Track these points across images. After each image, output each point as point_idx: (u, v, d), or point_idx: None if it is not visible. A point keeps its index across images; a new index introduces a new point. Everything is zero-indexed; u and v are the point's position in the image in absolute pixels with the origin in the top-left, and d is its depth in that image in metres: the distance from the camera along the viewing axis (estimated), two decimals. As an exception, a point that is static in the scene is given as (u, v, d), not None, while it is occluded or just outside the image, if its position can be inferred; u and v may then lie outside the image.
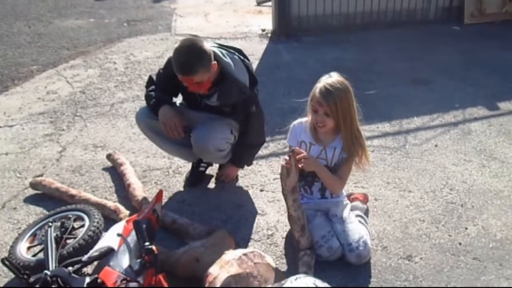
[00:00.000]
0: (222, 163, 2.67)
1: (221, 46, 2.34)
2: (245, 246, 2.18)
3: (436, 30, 6.02)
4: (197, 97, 2.40)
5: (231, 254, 1.81)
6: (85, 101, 3.94)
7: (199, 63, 2.12)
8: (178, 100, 2.59)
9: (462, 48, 5.28)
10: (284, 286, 1.57)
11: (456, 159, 2.97)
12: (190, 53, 2.12)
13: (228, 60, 2.26)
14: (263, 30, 5.98)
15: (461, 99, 3.89)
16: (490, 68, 4.65)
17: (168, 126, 2.34)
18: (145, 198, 2.44)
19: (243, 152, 2.59)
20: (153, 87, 2.46)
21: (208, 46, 2.19)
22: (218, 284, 1.67)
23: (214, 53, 2.21)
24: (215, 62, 2.20)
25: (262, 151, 2.87)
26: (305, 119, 2.20)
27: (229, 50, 2.33)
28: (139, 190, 2.53)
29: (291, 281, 1.59)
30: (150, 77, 2.51)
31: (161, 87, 2.44)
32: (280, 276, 1.83)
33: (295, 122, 2.27)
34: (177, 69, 2.15)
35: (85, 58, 5.09)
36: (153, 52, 5.24)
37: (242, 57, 2.36)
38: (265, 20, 6.34)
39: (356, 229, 2.11)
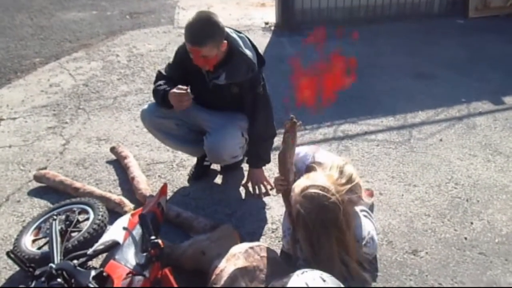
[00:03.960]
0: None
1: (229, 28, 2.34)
2: (250, 240, 2.16)
3: (440, 23, 5.97)
4: (206, 78, 2.37)
5: (238, 248, 1.81)
6: (88, 94, 3.93)
7: (210, 35, 2.10)
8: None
9: (467, 42, 5.24)
10: (291, 280, 1.56)
11: (461, 154, 2.96)
12: (204, 24, 2.10)
13: (236, 36, 2.27)
14: (266, 23, 5.95)
15: (466, 93, 3.87)
16: (495, 62, 4.62)
17: (179, 95, 2.19)
18: (150, 192, 2.44)
19: (258, 149, 2.54)
20: (160, 82, 2.41)
21: (223, 24, 2.18)
22: (225, 277, 1.66)
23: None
24: (225, 41, 2.19)
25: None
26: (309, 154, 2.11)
27: (237, 30, 2.34)
28: (143, 183, 2.53)
29: (297, 274, 1.58)
30: (159, 72, 2.48)
31: (170, 75, 2.41)
32: (286, 270, 1.82)
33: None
34: (187, 38, 2.13)
35: (87, 50, 5.07)
36: (155, 45, 5.21)
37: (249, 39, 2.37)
38: (268, 13, 6.29)
39: (363, 225, 2.09)
